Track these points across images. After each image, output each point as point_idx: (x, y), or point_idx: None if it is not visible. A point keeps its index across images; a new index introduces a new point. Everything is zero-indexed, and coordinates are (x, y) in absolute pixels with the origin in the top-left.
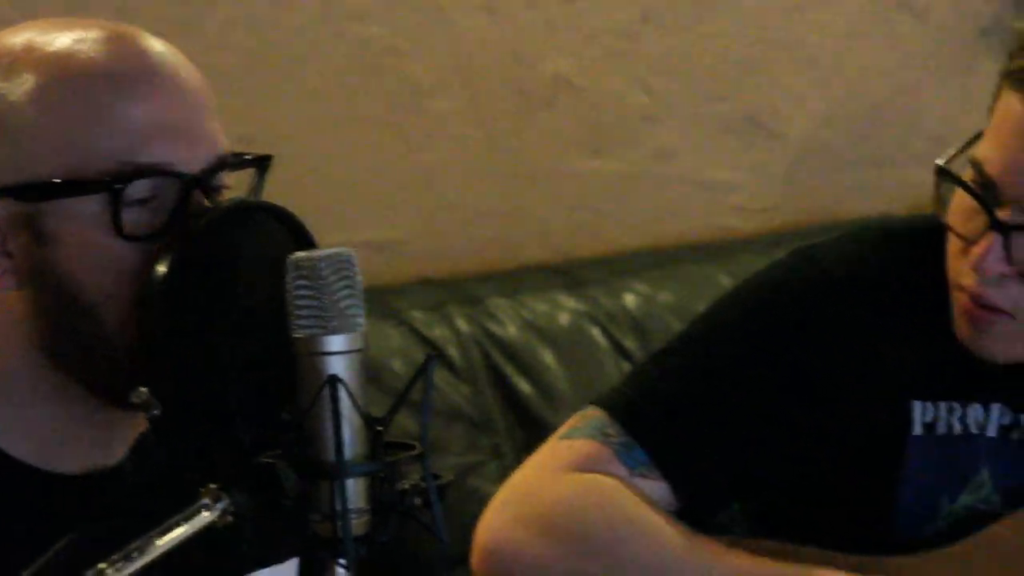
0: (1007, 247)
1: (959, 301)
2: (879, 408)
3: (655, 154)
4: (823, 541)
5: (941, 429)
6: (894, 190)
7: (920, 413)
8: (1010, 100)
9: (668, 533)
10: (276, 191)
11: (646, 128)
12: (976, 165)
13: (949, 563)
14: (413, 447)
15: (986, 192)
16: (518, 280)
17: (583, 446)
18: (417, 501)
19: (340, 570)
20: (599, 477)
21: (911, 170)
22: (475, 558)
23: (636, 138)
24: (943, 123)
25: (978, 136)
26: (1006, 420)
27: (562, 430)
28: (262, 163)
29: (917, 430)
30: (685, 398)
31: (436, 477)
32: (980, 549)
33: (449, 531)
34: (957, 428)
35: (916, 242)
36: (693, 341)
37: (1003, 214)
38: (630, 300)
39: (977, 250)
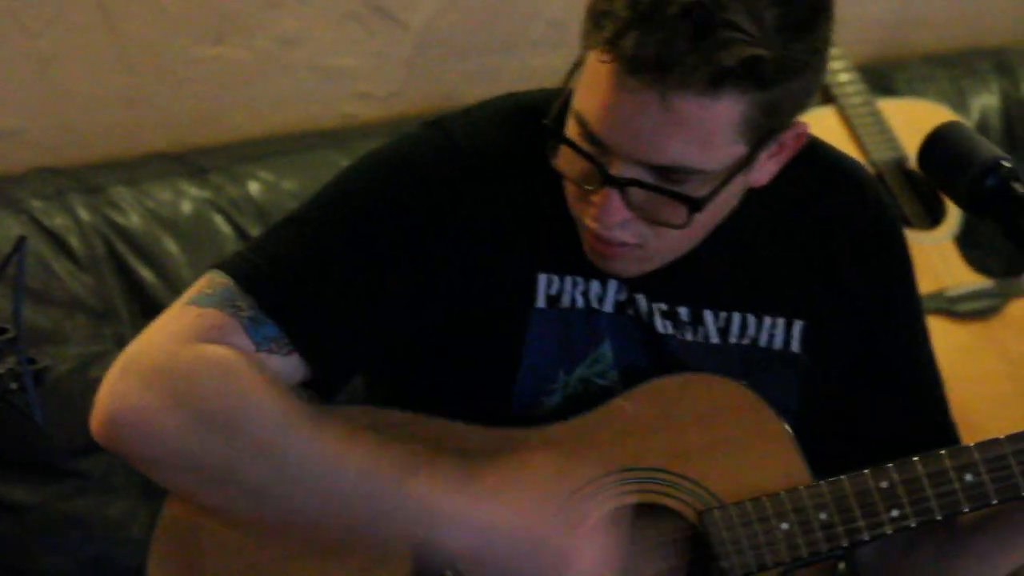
0: (624, 197)
1: (585, 236)
2: (505, 279)
3: (278, 41)
4: (448, 411)
5: (565, 302)
6: (516, 76)
7: (545, 285)
8: (598, 67)
9: (289, 414)
10: None
11: (269, 15)
12: (580, 120)
13: (574, 434)
14: (6, 330)
15: (595, 147)
16: (140, 168)
17: (211, 316)
18: (14, 385)
19: None
20: (222, 350)
21: (532, 56)
22: (97, 424)
23: (259, 25)
24: (564, 9)
25: (576, 66)
26: (622, 296)
27: (189, 293)
28: None
29: (541, 302)
30: (314, 270)
31: (31, 361)
32: (601, 421)
33: (72, 421)
34: (580, 302)
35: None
36: (323, 209)
37: (615, 169)
38: (254, 187)
39: (597, 200)
